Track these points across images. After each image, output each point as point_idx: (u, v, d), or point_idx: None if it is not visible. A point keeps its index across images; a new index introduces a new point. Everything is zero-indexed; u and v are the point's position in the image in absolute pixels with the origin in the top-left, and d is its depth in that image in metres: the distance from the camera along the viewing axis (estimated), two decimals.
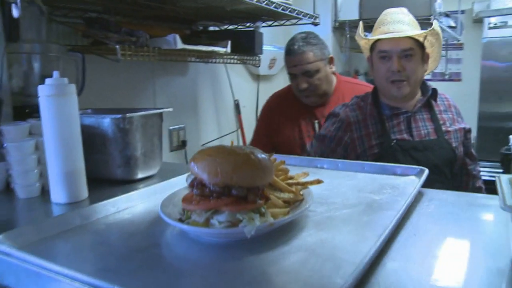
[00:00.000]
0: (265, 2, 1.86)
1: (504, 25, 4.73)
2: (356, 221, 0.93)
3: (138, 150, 1.28)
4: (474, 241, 0.86)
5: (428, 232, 0.90)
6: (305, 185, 1.02)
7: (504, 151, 3.98)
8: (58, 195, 1.11)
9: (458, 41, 4.54)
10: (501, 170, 4.10)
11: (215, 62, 2.44)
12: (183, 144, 2.53)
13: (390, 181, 1.23)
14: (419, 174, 1.24)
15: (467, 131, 1.85)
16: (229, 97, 2.98)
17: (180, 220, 0.84)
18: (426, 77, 1.89)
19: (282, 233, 0.85)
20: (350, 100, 1.91)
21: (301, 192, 0.97)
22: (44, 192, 1.20)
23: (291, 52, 2.20)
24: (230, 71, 2.91)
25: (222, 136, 2.91)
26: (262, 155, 0.84)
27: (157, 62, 2.22)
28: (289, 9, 2.07)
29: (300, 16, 2.22)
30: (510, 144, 3.83)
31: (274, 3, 1.93)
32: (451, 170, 1.75)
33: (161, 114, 1.37)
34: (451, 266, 0.73)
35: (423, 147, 1.72)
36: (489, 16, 4.84)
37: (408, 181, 1.22)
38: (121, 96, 2.09)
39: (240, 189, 0.79)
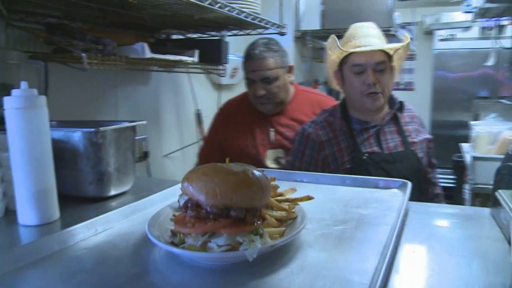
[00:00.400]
0: (235, 12, 1.83)
1: (453, 37, 4.93)
2: (351, 239, 0.90)
3: (112, 165, 1.20)
4: (472, 255, 0.85)
5: (425, 248, 0.89)
6: (295, 201, 0.98)
7: (456, 158, 4.12)
8: (26, 216, 1.01)
9: (413, 52, 4.67)
10: (453, 177, 4.25)
11: (178, 72, 2.37)
12: (145, 155, 2.44)
13: (373, 194, 1.22)
14: (401, 187, 1.23)
15: (430, 141, 1.89)
16: (191, 107, 2.91)
17: (173, 244, 0.78)
18: None
19: (279, 254, 0.81)
20: (319, 116, 1.88)
21: (293, 210, 0.93)
22: (9, 213, 1.10)
23: (251, 57, 2.11)
24: (192, 80, 2.84)
25: (185, 147, 2.84)
26: (259, 173, 0.79)
27: (119, 72, 2.13)
28: (258, 19, 2.05)
29: (268, 26, 2.20)
30: (461, 151, 3.95)
31: (244, 12, 1.90)
32: (417, 180, 1.77)
33: (134, 127, 1.29)
34: (457, 283, 0.72)
35: (393, 159, 1.73)
36: (439, 29, 5.04)
37: (392, 194, 1.21)
38: (82, 107, 1.98)
39: (239, 210, 0.75)
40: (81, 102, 1.97)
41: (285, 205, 0.94)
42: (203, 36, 2.45)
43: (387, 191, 1.24)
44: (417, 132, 1.86)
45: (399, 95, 1.97)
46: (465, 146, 3.56)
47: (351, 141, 1.74)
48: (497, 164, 2.68)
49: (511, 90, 4.55)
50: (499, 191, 0.81)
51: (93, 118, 1.99)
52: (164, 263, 0.79)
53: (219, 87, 3.24)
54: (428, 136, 1.89)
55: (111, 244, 0.87)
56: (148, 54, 1.67)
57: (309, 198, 1.00)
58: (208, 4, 1.64)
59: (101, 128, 1.14)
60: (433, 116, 5.01)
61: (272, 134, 2.16)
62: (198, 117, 2.99)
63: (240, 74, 3.23)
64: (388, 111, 1.83)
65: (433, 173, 1.92)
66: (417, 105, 2.02)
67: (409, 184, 1.20)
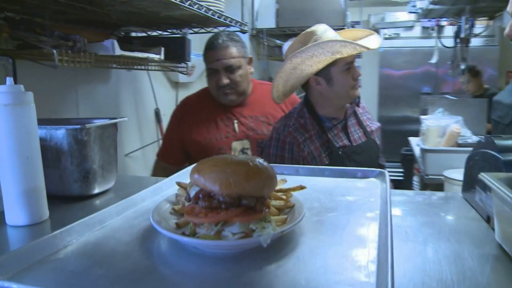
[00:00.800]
0: (203, 9, 1.84)
1: (397, 36, 5.17)
2: (345, 224, 0.94)
3: (97, 163, 1.18)
4: (458, 233, 0.94)
5: (415, 229, 0.95)
6: (288, 191, 1.02)
7: (404, 152, 4.33)
8: (15, 216, 0.99)
9: None
10: (401, 170, 4.45)
11: (138, 69, 2.34)
12: None
13: (353, 183, 1.27)
14: (378, 176, 1.30)
15: (379, 128, 2.06)
16: (151, 106, 2.88)
17: (184, 235, 0.80)
18: None
19: (285, 240, 0.84)
20: (287, 120, 1.89)
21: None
22: None
23: (215, 46, 2.14)
24: (151, 78, 2.82)
25: (145, 146, 2.80)
26: (265, 164, 0.82)
27: (78, 69, 2.08)
28: (223, 17, 2.07)
29: (232, 24, 2.23)
30: (410, 145, 4.13)
31: (211, 10, 1.92)
32: (377, 165, 1.92)
33: (116, 124, 1.28)
34: (452, 256, 0.79)
35: (361, 150, 1.85)
36: (384, 28, 5.26)
37: (371, 183, 1.27)
38: (42, 104, 1.90)
39: (250, 198, 0.77)
40: (41, 99, 1.90)
41: (280, 195, 0.98)
42: (164, 33, 2.43)
43: (365, 180, 1.30)
44: (371, 121, 2.02)
45: None
46: (413, 139, 3.74)
47: (324, 138, 1.81)
48: (446, 156, 2.85)
49: (451, 86, 4.82)
50: (482, 174, 0.88)
51: (53, 115, 1.93)
52: (173, 254, 0.80)
53: (176, 85, 3.22)
54: (378, 124, 2.06)
55: (114, 240, 0.87)
56: (118, 51, 1.66)
57: (301, 187, 1.04)
58: (179, 2, 1.65)
59: (86, 125, 1.13)
60: (380, 112, 5.23)
61: (236, 125, 2.19)
62: (157, 116, 2.97)
63: (197, 72, 3.23)
64: (349, 106, 1.93)
65: (381, 156, 2.08)
66: (365, 102, 2.15)
67: (386, 173, 1.27)
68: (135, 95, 2.71)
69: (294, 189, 1.03)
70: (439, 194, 1.30)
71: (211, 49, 2.15)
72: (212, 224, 0.77)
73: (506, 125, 1.68)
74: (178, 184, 1.04)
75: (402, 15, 4.98)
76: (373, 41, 1.75)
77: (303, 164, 1.78)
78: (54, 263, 0.76)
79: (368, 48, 1.68)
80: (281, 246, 0.81)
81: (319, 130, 1.83)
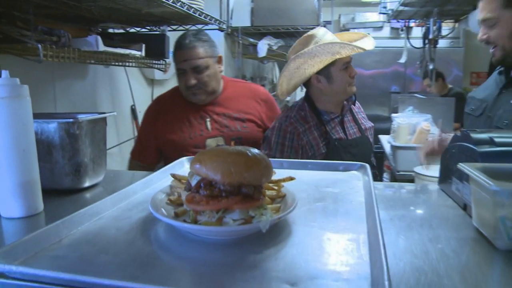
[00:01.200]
0: (186, 7, 1.86)
1: None
2: (335, 212, 1.00)
3: (88, 156, 1.20)
4: (438, 219, 1.01)
5: (399, 216, 1.02)
6: (279, 182, 1.06)
7: (375, 149, 4.44)
8: (11, 209, 1.00)
9: None
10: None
11: (116, 65, 2.34)
12: None
13: (336, 176, 1.33)
14: (360, 169, 1.36)
15: (372, 127, 2.22)
16: (127, 102, 2.88)
17: (185, 221, 0.83)
18: None
19: (281, 226, 0.89)
20: (289, 112, 2.04)
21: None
22: None
23: (182, 47, 2.12)
24: (128, 75, 2.82)
25: (122, 143, 2.80)
26: (262, 154, 0.87)
27: (56, 64, 2.07)
28: (203, 15, 2.10)
29: (211, 22, 2.26)
30: (380, 142, 4.24)
31: (192, 8, 1.94)
32: (370, 161, 2.12)
33: (105, 118, 1.30)
34: (434, 240, 0.85)
35: (356, 143, 2.03)
36: (354, 28, 5.38)
37: (353, 175, 1.33)
38: None
39: (249, 187, 0.81)
40: None
41: (271, 186, 1.03)
42: (143, 30, 2.44)
43: (347, 173, 1.36)
44: (365, 120, 2.19)
45: None
46: (384, 137, 3.85)
47: (323, 130, 1.98)
48: (416, 153, 2.95)
49: (419, 85, 4.97)
50: (461, 164, 0.95)
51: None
52: (174, 242, 0.83)
53: (152, 82, 3.22)
54: (371, 123, 2.21)
55: (114, 229, 0.89)
56: (102, 47, 1.67)
57: (291, 178, 1.08)
58: None
59: (79, 118, 1.14)
60: None
61: (208, 123, 2.20)
62: (133, 113, 2.97)
63: (172, 69, 3.24)
64: (346, 103, 2.09)
65: (372, 155, 2.22)
66: None
67: (367, 166, 1.33)
68: (112, 91, 2.71)
69: (284, 180, 1.07)
70: (419, 186, 1.38)
71: (179, 49, 2.14)
72: (214, 211, 0.81)
73: (476, 117, 1.81)
74: (173, 175, 1.07)
75: (372, 16, 5.11)
76: (368, 43, 1.94)
77: (302, 152, 1.96)
78: (60, 250, 0.78)
79: (364, 49, 1.86)
80: (278, 232, 0.86)
81: (318, 122, 2.00)
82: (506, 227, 0.83)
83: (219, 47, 3.51)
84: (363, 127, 2.12)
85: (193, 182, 0.84)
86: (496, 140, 1.10)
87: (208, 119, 2.21)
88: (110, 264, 0.74)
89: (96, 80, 2.51)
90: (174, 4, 1.76)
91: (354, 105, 2.16)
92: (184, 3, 1.87)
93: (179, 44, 2.13)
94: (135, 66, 2.41)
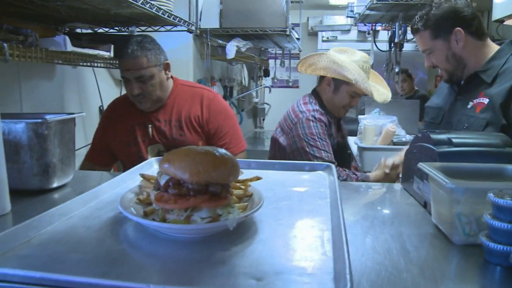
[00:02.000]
0: (155, 8, 1.87)
1: (335, 39, 5.39)
2: (300, 210, 1.04)
3: (56, 157, 1.20)
4: (400, 216, 1.06)
5: (363, 214, 1.06)
6: (246, 181, 1.09)
7: None
8: None
9: (300, 51, 5.01)
10: None
11: (84, 65, 2.32)
12: None
13: (303, 176, 1.37)
14: (325, 169, 1.40)
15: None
16: (95, 103, 2.85)
17: (154, 220, 0.85)
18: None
19: (248, 225, 0.91)
20: (310, 105, 2.28)
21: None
22: None
23: (124, 55, 2.00)
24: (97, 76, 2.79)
25: (90, 144, 2.77)
26: (230, 154, 0.89)
27: (21, 64, 2.05)
28: (172, 16, 2.11)
29: (180, 23, 2.27)
30: (347, 144, 4.31)
31: (161, 9, 1.95)
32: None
33: (74, 119, 1.30)
34: (396, 236, 0.89)
35: (345, 148, 2.43)
36: (322, 31, 5.46)
37: (319, 175, 1.37)
38: None
39: (217, 186, 0.84)
40: None
41: (238, 185, 1.05)
42: (111, 31, 2.43)
43: (313, 173, 1.40)
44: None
45: (287, 92, 2.51)
46: (351, 138, 3.92)
47: (334, 128, 2.31)
48: (382, 154, 3.08)
49: None
50: (421, 163, 1.00)
51: None
52: (144, 240, 0.85)
53: (120, 83, 3.19)
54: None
55: (84, 228, 0.90)
56: (70, 47, 1.66)
57: (258, 178, 1.11)
58: (131, 0, 1.68)
59: (48, 119, 1.14)
60: None
61: (150, 130, 2.15)
62: (101, 113, 2.94)
63: None
64: None
65: None
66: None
67: (333, 166, 1.37)
68: (79, 92, 2.68)
69: (251, 179, 1.10)
70: (383, 185, 1.43)
71: (121, 58, 2.04)
72: (182, 210, 0.83)
73: (437, 124, 1.91)
74: (142, 175, 1.08)
75: (340, 19, 5.21)
76: (380, 96, 2.32)
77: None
78: (30, 250, 0.79)
79: (373, 97, 2.25)
80: (245, 229, 0.89)
81: (327, 122, 2.25)
82: (461, 223, 0.88)
83: (188, 49, 3.54)
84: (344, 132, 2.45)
85: (162, 181, 0.86)
86: (454, 140, 1.16)
87: (150, 126, 2.15)
88: (81, 262, 0.75)
89: (63, 81, 2.49)
90: (143, 6, 1.76)
91: None
92: (153, 5, 1.87)
93: (122, 52, 2.03)
94: (103, 67, 2.39)
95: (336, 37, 5.35)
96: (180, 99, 2.20)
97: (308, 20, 5.72)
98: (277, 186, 1.25)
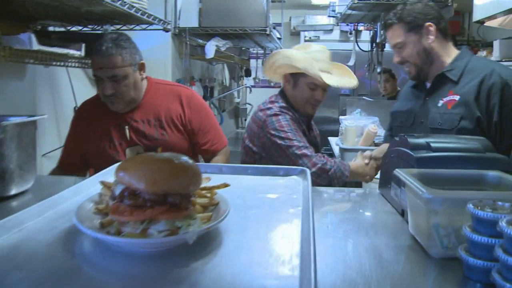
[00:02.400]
0: (126, 6, 1.81)
1: (318, 39, 5.36)
2: (269, 220, 0.99)
3: (13, 162, 1.13)
4: (375, 226, 1.01)
5: (336, 222, 1.01)
6: (212, 189, 1.03)
7: (324, 151, 4.49)
8: None
9: None
10: None
11: (56, 65, 2.24)
12: None
13: (276, 181, 1.32)
14: (300, 173, 1.35)
15: (318, 135, 2.53)
16: (70, 104, 2.77)
17: (109, 233, 0.79)
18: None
19: (211, 236, 0.86)
20: (274, 103, 2.18)
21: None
22: None
23: (98, 52, 1.90)
24: (70, 75, 2.71)
25: (63, 146, 2.69)
26: (191, 161, 0.84)
27: None
28: (146, 14, 2.05)
29: (155, 22, 2.21)
30: (329, 144, 4.29)
31: (134, 7, 1.89)
32: None
33: (35, 121, 1.23)
34: (369, 248, 0.85)
35: (317, 145, 2.34)
36: (304, 30, 5.43)
37: (293, 180, 1.32)
38: None
39: (176, 196, 0.78)
40: None
41: (204, 193, 1.00)
42: (85, 29, 2.36)
43: (288, 178, 1.35)
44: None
45: (269, 92, 2.50)
46: (333, 139, 3.90)
47: (304, 127, 2.21)
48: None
49: (368, 88, 5.08)
50: (397, 170, 0.96)
51: None
52: (98, 254, 0.79)
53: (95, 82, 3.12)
54: (317, 131, 2.53)
55: (35, 242, 0.84)
56: (36, 46, 1.59)
57: (225, 185, 1.05)
58: None
59: (2, 122, 1.07)
60: None
61: (127, 132, 2.05)
62: None
63: None
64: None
65: None
66: None
67: (308, 170, 1.32)
68: (52, 92, 2.60)
69: (218, 186, 1.04)
70: (358, 190, 1.39)
71: (95, 55, 1.94)
72: (138, 222, 0.77)
73: (409, 127, 1.91)
74: (102, 183, 1.02)
75: (322, 19, 5.19)
76: (340, 82, 2.17)
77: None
78: None
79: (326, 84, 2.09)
80: (207, 242, 0.83)
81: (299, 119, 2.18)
82: (439, 234, 0.83)
83: (166, 48, 3.47)
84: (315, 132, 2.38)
85: (117, 191, 0.80)
86: (433, 145, 1.12)
87: (126, 127, 2.05)
88: (24, 282, 0.69)
89: (35, 81, 2.40)
90: (113, 3, 1.70)
91: None
92: (126, 2, 1.81)
93: (95, 49, 1.93)
94: (76, 67, 2.31)
95: (319, 37, 5.33)
96: (156, 97, 2.12)
97: (290, 19, 5.69)
98: (248, 192, 1.19)
